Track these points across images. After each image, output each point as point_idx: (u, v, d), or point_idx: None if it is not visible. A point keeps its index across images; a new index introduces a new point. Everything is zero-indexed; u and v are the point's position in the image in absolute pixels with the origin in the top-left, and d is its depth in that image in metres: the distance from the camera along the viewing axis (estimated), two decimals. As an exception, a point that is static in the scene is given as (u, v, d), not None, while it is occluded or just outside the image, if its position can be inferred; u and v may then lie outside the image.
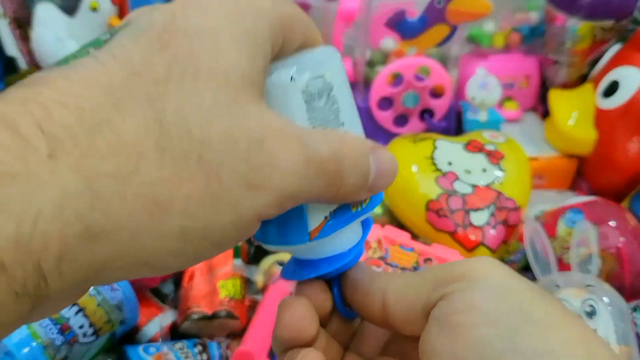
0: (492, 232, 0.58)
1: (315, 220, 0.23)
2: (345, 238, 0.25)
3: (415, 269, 0.51)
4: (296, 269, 0.25)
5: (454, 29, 0.67)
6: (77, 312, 0.46)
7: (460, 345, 0.20)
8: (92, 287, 0.39)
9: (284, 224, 0.23)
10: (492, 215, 0.58)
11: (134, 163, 0.16)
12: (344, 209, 0.24)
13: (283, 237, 0.23)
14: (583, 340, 0.20)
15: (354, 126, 0.23)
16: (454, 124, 0.73)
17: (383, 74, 0.68)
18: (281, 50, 0.21)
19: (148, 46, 0.18)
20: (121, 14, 0.65)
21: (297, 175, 0.19)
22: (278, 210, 0.19)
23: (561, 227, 0.54)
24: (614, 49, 0.72)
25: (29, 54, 0.65)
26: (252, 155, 0.18)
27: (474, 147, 0.63)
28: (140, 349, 0.49)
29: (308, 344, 0.24)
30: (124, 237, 0.17)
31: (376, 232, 0.54)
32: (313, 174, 0.19)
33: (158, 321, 0.53)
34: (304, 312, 0.24)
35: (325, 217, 0.23)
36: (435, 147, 0.63)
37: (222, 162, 0.17)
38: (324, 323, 0.26)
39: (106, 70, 0.17)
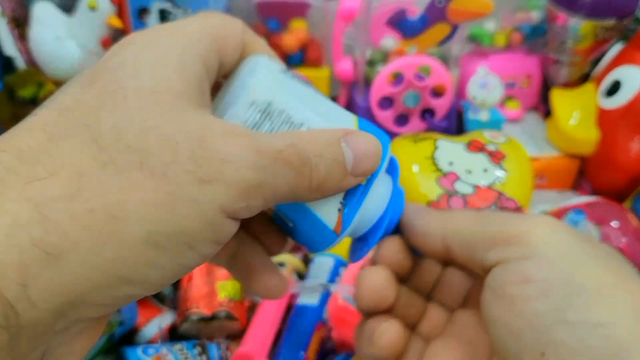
0: (493, 232, 0.57)
1: (330, 216, 0.23)
2: (376, 202, 0.25)
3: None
4: (356, 249, 0.26)
5: (455, 28, 0.67)
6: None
7: (513, 316, 0.21)
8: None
9: (308, 232, 0.24)
10: (494, 215, 0.58)
11: (77, 182, 0.17)
12: (352, 191, 0.23)
13: (318, 244, 0.24)
14: (636, 309, 0.20)
15: (318, 119, 0.23)
16: (455, 124, 0.73)
17: (383, 73, 0.68)
18: (224, 59, 0.23)
19: (78, 87, 0.19)
20: (120, 13, 0.65)
21: (251, 165, 0.19)
22: (246, 202, 0.19)
23: (563, 228, 0.54)
24: (616, 48, 0.71)
25: (27, 53, 0.64)
26: (197, 153, 0.18)
27: (475, 147, 0.63)
28: (139, 350, 0.49)
29: (388, 309, 0.26)
30: (87, 253, 0.17)
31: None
32: (271, 164, 0.20)
33: (157, 322, 0.53)
34: (381, 282, 0.25)
35: (339, 209, 0.23)
36: (436, 147, 0.63)
37: (166, 164, 0.18)
38: (405, 278, 0.27)
39: (39, 117, 0.19)
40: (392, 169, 0.27)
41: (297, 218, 0.24)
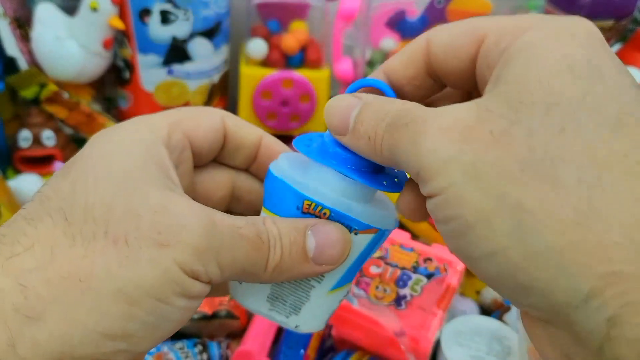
0: (492, 231, 0.58)
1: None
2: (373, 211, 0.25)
3: (415, 268, 0.51)
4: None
5: (454, 29, 0.68)
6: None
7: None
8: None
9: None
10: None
11: (49, 254, 0.20)
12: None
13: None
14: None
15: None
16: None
17: (383, 73, 0.68)
18: (196, 140, 0.26)
19: (57, 177, 0.22)
20: (121, 14, 0.65)
21: (205, 233, 0.21)
22: (202, 266, 0.21)
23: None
24: (614, 48, 0.72)
25: (29, 54, 0.65)
26: (157, 221, 0.21)
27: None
28: (140, 348, 0.49)
29: None
30: (64, 313, 0.19)
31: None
32: (227, 235, 0.22)
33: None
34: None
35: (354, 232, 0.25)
36: (435, 147, 0.63)
37: (127, 232, 0.20)
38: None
39: (24, 208, 0.22)
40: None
41: (362, 262, 0.26)
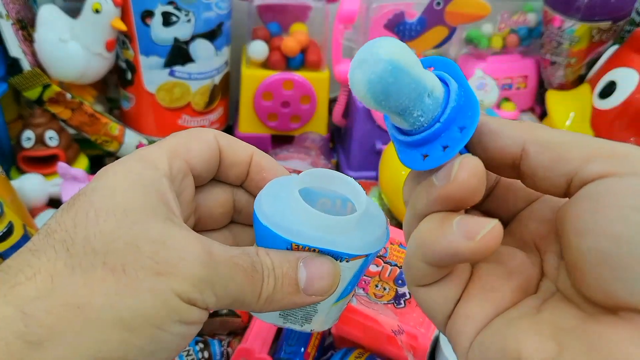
0: (490, 231, 0.58)
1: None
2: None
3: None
4: (415, 155, 0.23)
5: (452, 31, 0.68)
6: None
7: (624, 225, 0.19)
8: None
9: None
10: (490, 214, 0.59)
11: (50, 283, 0.21)
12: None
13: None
14: None
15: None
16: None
17: (382, 75, 0.68)
18: (194, 166, 0.27)
19: (61, 211, 0.23)
20: (123, 15, 0.66)
21: (202, 263, 0.22)
22: (199, 294, 0.22)
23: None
24: (611, 50, 0.72)
25: (33, 55, 0.65)
26: (156, 252, 0.22)
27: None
28: (142, 346, 0.50)
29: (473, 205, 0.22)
30: (64, 340, 0.20)
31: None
32: (223, 265, 0.23)
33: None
34: (482, 168, 0.21)
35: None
36: (434, 148, 0.63)
37: (126, 262, 0.21)
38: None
39: (31, 241, 0.23)
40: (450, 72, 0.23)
41: (356, 282, 0.27)
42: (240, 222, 0.31)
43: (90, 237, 0.22)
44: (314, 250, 0.25)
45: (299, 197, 0.25)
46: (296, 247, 0.25)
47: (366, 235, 0.26)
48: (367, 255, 0.26)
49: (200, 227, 0.29)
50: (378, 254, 0.28)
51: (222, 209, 0.30)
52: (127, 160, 0.25)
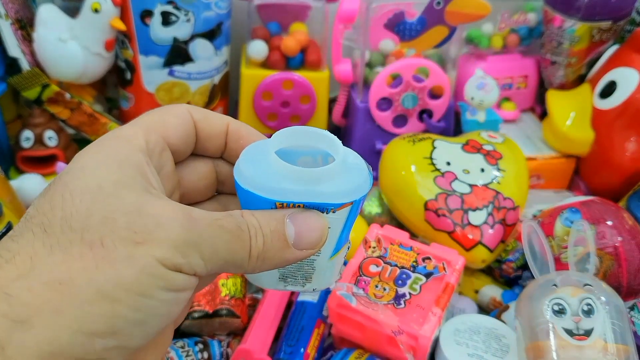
0: (490, 231, 0.58)
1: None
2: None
3: (414, 267, 0.51)
4: None
5: (452, 30, 0.68)
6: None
7: None
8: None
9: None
10: (490, 214, 0.59)
11: (29, 264, 0.21)
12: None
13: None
14: None
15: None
16: (453, 125, 0.74)
17: (382, 75, 0.68)
18: (170, 140, 0.27)
19: (39, 198, 0.24)
20: (123, 15, 0.66)
21: (181, 226, 0.22)
22: (184, 259, 0.22)
23: (559, 227, 0.55)
24: (612, 50, 0.72)
25: (32, 55, 0.65)
26: (133, 221, 0.22)
27: (472, 147, 0.64)
28: (142, 347, 0.49)
29: None
30: (49, 317, 0.20)
31: (375, 231, 0.54)
32: (206, 227, 0.23)
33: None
34: None
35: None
36: (433, 147, 0.63)
37: (103, 235, 0.21)
38: None
39: (13, 229, 0.23)
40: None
41: (349, 229, 0.27)
42: (226, 192, 0.31)
43: (67, 216, 0.22)
44: (299, 206, 0.25)
45: (275, 156, 0.25)
46: (280, 205, 0.25)
47: (348, 184, 0.26)
48: (352, 203, 0.26)
49: (186, 201, 0.29)
50: (362, 207, 0.28)
51: (206, 181, 0.30)
52: (102, 139, 0.25)
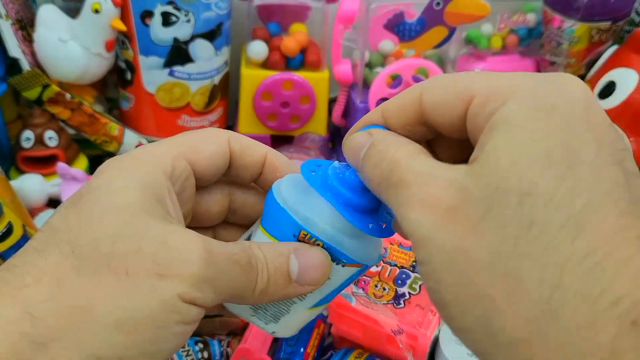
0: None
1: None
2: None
3: (413, 267, 0.51)
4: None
5: (452, 31, 0.68)
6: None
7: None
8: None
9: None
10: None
11: (57, 286, 0.22)
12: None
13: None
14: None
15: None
16: (452, 125, 0.74)
17: (382, 75, 0.69)
18: (198, 168, 0.27)
19: (65, 208, 0.24)
20: (123, 15, 0.66)
21: (205, 263, 0.23)
22: (200, 293, 0.23)
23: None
24: (611, 50, 0.72)
25: (32, 55, 0.65)
26: (157, 253, 0.22)
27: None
28: (142, 346, 0.50)
29: None
30: (68, 341, 0.21)
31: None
32: (223, 263, 0.23)
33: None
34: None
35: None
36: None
37: (129, 264, 0.22)
38: None
39: (34, 238, 0.24)
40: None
41: (341, 289, 0.27)
42: (232, 222, 0.31)
43: (95, 240, 0.22)
44: (319, 244, 0.25)
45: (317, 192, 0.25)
46: (303, 235, 0.25)
47: (368, 248, 0.26)
48: (362, 266, 0.26)
49: (194, 223, 0.29)
50: (365, 272, 0.28)
51: (218, 208, 0.30)
52: (131, 155, 0.26)
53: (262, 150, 0.29)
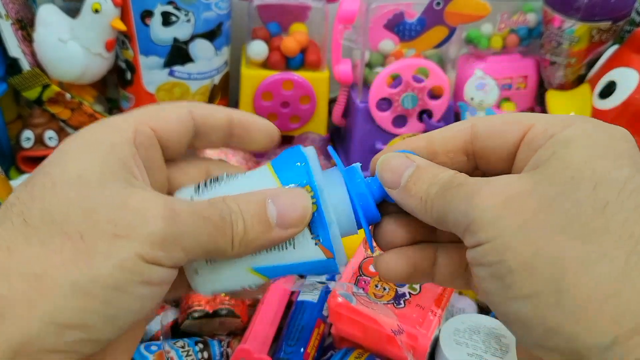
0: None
1: (316, 253, 0.26)
2: (341, 202, 0.27)
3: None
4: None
5: (452, 31, 0.68)
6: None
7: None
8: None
9: (313, 271, 0.27)
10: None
11: (7, 255, 0.21)
12: (313, 221, 0.26)
13: (328, 271, 0.27)
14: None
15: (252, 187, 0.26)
16: (453, 125, 0.74)
17: (382, 75, 0.69)
18: (164, 134, 0.27)
19: (19, 187, 0.23)
20: (123, 15, 0.66)
21: (165, 220, 0.22)
22: (164, 252, 0.22)
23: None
24: (611, 50, 0.72)
25: (32, 55, 0.65)
26: (114, 215, 0.22)
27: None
28: (141, 347, 0.50)
29: None
30: (23, 309, 0.21)
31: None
32: (188, 219, 0.23)
33: (159, 319, 0.54)
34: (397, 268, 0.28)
35: (316, 243, 0.26)
36: (433, 148, 0.64)
37: (84, 229, 0.21)
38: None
39: None
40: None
41: (293, 270, 0.27)
42: None
43: (48, 208, 0.22)
44: (313, 202, 0.25)
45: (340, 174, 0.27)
46: (307, 190, 0.26)
47: (342, 250, 0.26)
48: (328, 257, 0.26)
49: None
50: (321, 282, 0.29)
51: (196, 183, 0.30)
52: (91, 127, 0.25)
53: (226, 111, 0.29)
